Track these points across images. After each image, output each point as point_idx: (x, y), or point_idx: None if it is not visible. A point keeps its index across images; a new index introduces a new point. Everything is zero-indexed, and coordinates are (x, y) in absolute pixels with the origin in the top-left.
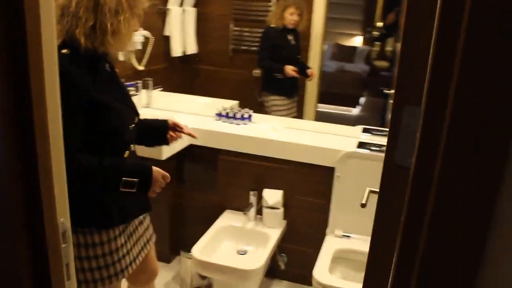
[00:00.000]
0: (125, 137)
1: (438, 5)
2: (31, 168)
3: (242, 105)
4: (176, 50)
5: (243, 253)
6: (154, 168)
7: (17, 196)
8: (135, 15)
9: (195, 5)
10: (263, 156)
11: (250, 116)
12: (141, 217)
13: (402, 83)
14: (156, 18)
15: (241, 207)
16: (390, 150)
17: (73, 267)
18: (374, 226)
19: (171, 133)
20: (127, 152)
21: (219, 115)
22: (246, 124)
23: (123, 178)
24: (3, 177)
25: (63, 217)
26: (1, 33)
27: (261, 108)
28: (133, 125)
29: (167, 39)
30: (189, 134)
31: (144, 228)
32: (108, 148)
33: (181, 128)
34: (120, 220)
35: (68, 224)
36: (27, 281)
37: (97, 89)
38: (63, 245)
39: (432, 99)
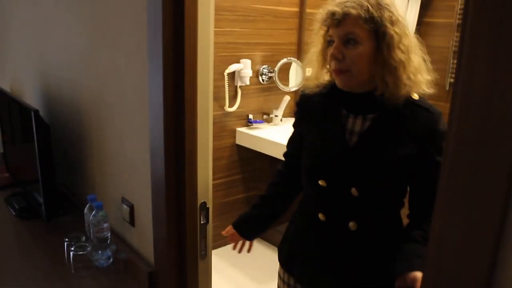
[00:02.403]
0: None
1: None
2: (181, 159)
3: None
4: None
5: None
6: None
7: (170, 177)
8: None
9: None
10: None
11: None
12: None
13: None
14: None
15: None
16: None
17: (209, 243)
18: None
19: None
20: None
21: None
22: None
23: None
24: (164, 170)
25: (205, 199)
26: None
27: None
28: None
29: None
30: None
31: None
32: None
33: None
34: None
35: (209, 205)
36: (171, 244)
37: None
38: (201, 222)
39: None
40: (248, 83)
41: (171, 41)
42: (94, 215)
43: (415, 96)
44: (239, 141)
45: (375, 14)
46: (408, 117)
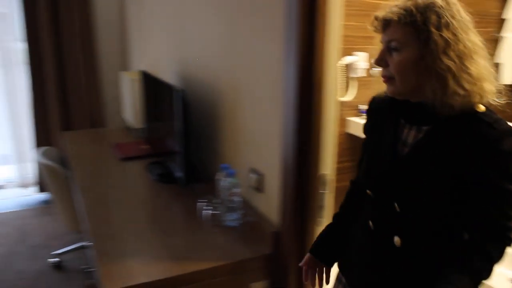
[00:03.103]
0: None
1: None
2: (308, 134)
3: None
4: (507, 78)
5: None
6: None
7: (298, 151)
8: None
9: None
10: None
11: None
12: None
13: None
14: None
15: None
16: None
17: (327, 210)
18: None
19: None
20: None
21: None
22: None
23: None
24: (294, 143)
25: (326, 172)
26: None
27: None
28: None
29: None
30: None
31: None
32: None
33: None
34: None
35: (330, 177)
36: (294, 209)
37: None
38: (320, 191)
39: None
40: (360, 74)
41: (305, 30)
42: (226, 181)
43: (481, 108)
44: (350, 129)
45: (418, 18)
46: (465, 132)
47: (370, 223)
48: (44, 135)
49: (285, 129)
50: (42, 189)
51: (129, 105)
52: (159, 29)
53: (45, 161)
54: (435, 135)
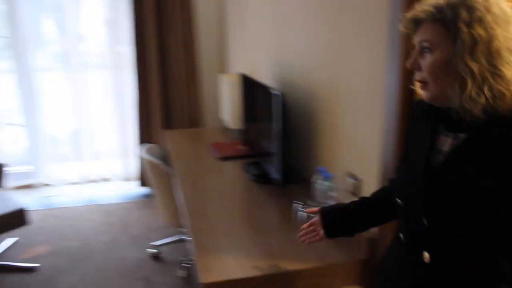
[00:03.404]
0: None
1: None
2: None
3: None
4: None
5: None
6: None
7: (398, 158)
8: None
9: None
10: None
11: None
12: None
13: None
14: None
15: None
16: None
17: None
18: None
19: None
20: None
21: None
22: None
23: None
24: (393, 151)
25: None
26: None
27: None
28: None
29: None
30: None
31: None
32: None
33: None
34: None
35: None
36: None
37: None
38: None
39: None
40: None
41: (408, 38)
42: (323, 184)
43: None
44: None
45: (448, 15)
46: (506, 141)
47: (401, 235)
48: (147, 133)
49: (385, 137)
50: (143, 184)
51: (227, 106)
52: (258, 33)
53: (148, 157)
54: (471, 143)
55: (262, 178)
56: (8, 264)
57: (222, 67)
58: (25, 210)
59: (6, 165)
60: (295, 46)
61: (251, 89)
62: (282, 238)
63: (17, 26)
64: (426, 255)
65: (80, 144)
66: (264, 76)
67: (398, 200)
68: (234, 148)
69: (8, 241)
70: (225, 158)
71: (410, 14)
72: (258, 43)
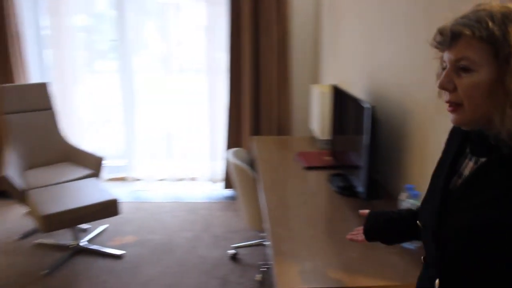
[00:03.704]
0: None
1: None
2: None
3: None
4: None
5: None
6: None
7: None
8: None
9: None
10: None
11: None
12: None
13: None
14: None
15: None
16: None
17: None
18: None
19: None
20: None
21: None
22: None
23: None
24: None
25: None
26: None
27: None
28: None
29: None
30: None
31: None
32: None
33: None
34: None
35: None
36: None
37: None
38: None
39: None
40: None
41: None
42: (409, 202)
43: None
44: None
45: (496, 32)
46: None
47: (422, 257)
48: (236, 137)
49: None
50: (227, 186)
51: (317, 117)
52: (350, 45)
53: (235, 161)
54: (490, 169)
55: (346, 190)
56: (98, 249)
57: (314, 78)
58: (117, 201)
59: (105, 159)
60: (390, 60)
61: (342, 100)
62: (362, 253)
63: (124, 30)
64: (437, 282)
65: (172, 144)
66: (355, 87)
67: (418, 222)
68: (320, 158)
69: (100, 228)
70: (311, 168)
71: (446, 27)
72: (350, 54)
